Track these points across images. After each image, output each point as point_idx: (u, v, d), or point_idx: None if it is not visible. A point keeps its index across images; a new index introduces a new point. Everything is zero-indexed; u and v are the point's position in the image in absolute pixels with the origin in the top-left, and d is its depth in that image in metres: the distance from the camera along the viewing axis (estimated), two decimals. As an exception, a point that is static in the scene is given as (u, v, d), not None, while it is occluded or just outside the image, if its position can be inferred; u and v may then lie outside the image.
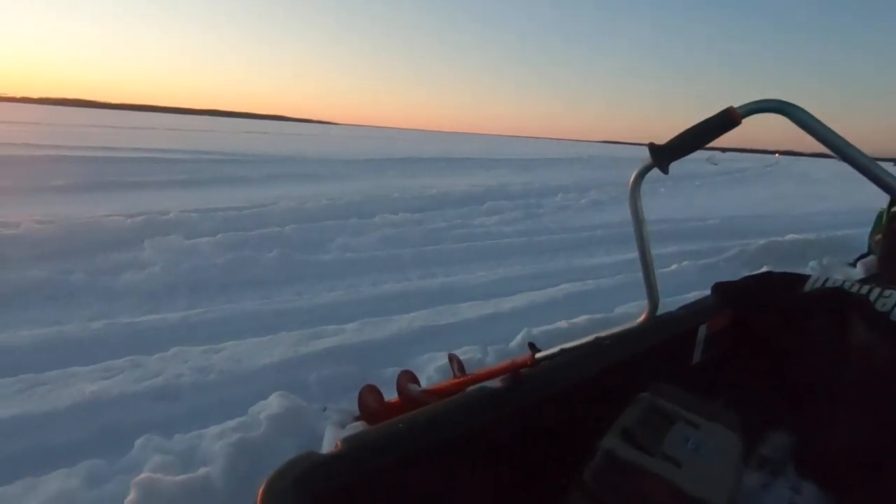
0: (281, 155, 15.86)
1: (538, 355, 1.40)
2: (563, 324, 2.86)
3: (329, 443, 1.83)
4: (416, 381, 1.99)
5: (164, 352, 2.45)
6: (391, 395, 2.00)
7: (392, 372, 2.47)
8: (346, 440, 0.77)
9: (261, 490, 0.66)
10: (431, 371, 2.36)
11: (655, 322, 1.17)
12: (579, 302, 3.48)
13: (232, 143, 20.72)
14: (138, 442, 1.78)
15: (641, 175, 1.08)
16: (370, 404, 1.95)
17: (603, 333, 1.19)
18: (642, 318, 1.17)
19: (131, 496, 1.46)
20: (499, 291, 3.79)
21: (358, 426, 1.95)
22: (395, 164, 15.10)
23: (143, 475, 1.54)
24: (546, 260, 4.95)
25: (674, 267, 4.47)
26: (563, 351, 1.24)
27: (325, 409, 2.10)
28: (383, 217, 6.11)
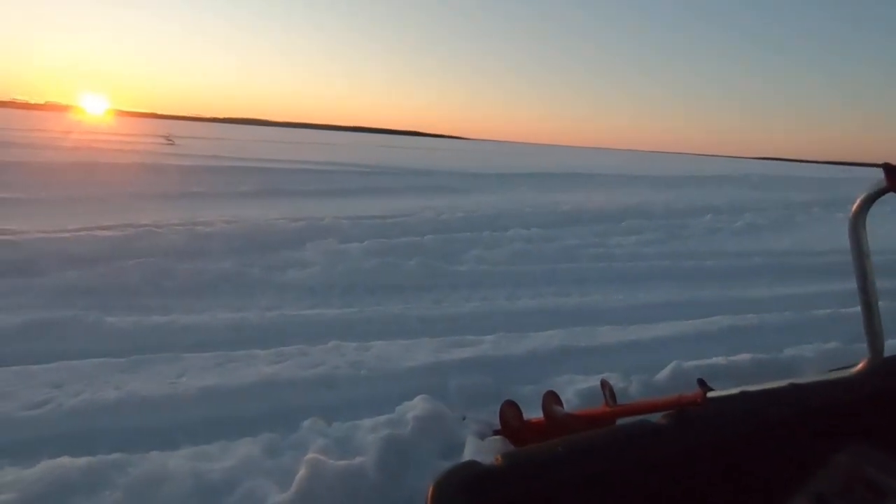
0: (418, 168, 16.80)
1: (711, 394, 1.28)
2: (720, 360, 2.58)
3: (471, 452, 1.86)
4: (560, 403, 1.95)
5: (324, 344, 2.72)
6: (530, 413, 1.99)
7: (529, 390, 2.45)
8: (507, 456, 0.78)
9: (430, 490, 0.70)
10: (570, 394, 2.29)
11: (877, 371, 1.00)
12: (738, 338, 3.12)
13: (375, 157, 22.51)
14: (305, 423, 2.00)
15: (870, 200, 0.93)
16: (511, 420, 1.95)
17: (802, 380, 1.05)
18: (860, 365, 1.01)
19: (302, 472, 1.65)
20: (640, 317, 3.56)
21: (497, 440, 1.96)
22: (526, 179, 15.09)
23: (310, 455, 1.73)
24: (694, 287, 4.53)
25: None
26: (743, 394, 1.12)
27: (464, 418, 2.16)
28: (516, 231, 6.13)
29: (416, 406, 2.12)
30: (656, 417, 0.92)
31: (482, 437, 2.00)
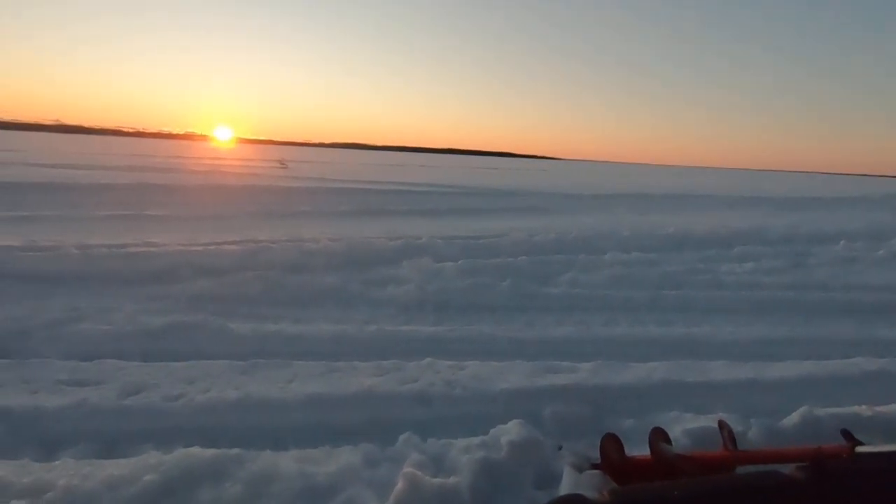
0: (510, 189, 16.83)
1: (860, 449, 1.11)
2: (863, 409, 2.24)
3: (569, 484, 1.79)
4: (669, 441, 1.81)
5: (419, 360, 2.79)
6: (632, 449, 1.87)
7: (631, 424, 2.31)
8: (615, 493, 0.73)
9: None
10: (678, 433, 2.11)
11: None
12: (887, 385, 2.69)
13: (468, 178, 22.93)
14: (401, 437, 2.05)
15: None
16: (612, 455, 1.84)
17: None
18: None
19: (399, 486, 1.68)
20: (759, 353, 3.22)
21: (596, 475, 1.86)
22: (623, 200, 14.45)
23: (406, 469, 1.76)
24: (825, 323, 4.01)
25: None
26: None
27: (560, 448, 2.08)
28: (613, 255, 5.87)
29: (511, 430, 2.08)
30: (788, 469, 0.82)
31: (579, 469, 1.91)
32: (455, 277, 4.63)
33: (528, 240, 6.65)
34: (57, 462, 1.79)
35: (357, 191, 13.17)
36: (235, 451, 1.88)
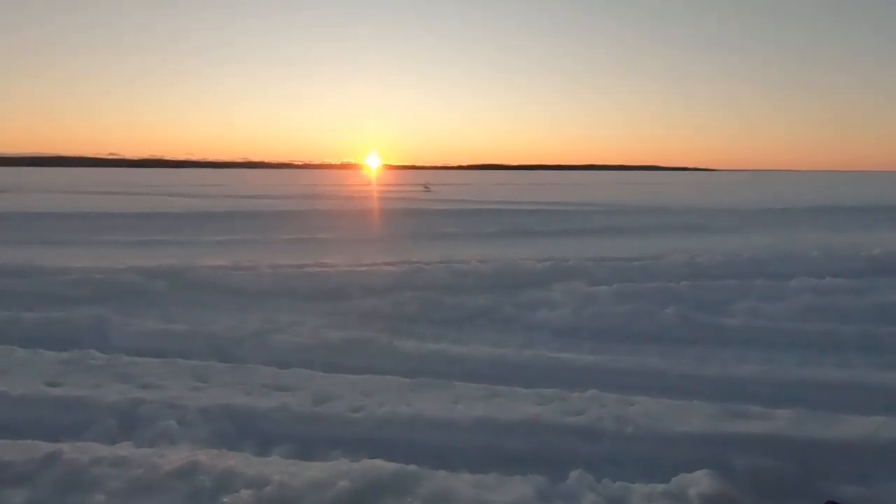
0: (660, 205, 15.60)
1: None
2: None
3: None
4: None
5: (582, 391, 2.66)
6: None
7: (855, 492, 1.92)
8: None
9: None
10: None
11: None
12: None
13: (613, 195, 21.87)
14: (573, 474, 1.96)
15: None
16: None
17: None
18: None
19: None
20: None
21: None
22: (806, 214, 12.44)
23: (584, 510, 1.67)
24: None
25: None
26: None
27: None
28: (802, 280, 5.03)
29: (700, 482, 1.87)
30: None
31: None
32: (611, 303, 4.38)
33: (689, 262, 6.05)
34: (269, 458, 2.06)
35: (499, 211, 13.37)
36: (412, 467, 1.98)
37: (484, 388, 2.73)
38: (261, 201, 17.28)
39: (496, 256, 6.48)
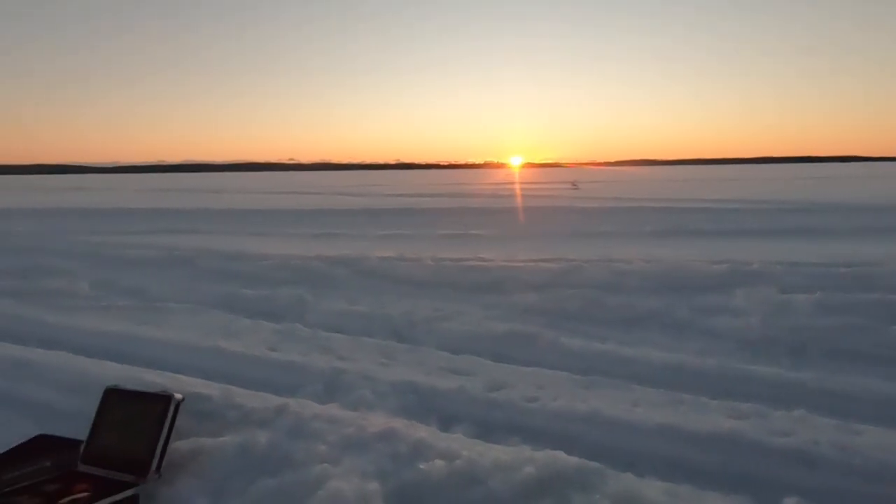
0: (864, 202, 12.94)
1: None
2: None
3: None
4: None
5: (787, 410, 2.34)
6: None
7: None
8: None
9: None
10: None
11: None
12: None
13: (790, 191, 18.79)
14: (788, 502, 1.73)
15: None
16: None
17: None
18: None
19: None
20: None
21: None
22: None
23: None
24: None
25: None
26: None
27: None
28: None
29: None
30: None
31: None
32: (813, 314, 3.76)
33: (921, 272, 4.90)
34: (454, 435, 2.19)
35: (658, 209, 12.37)
36: (595, 464, 1.93)
37: (665, 394, 2.55)
38: (414, 199, 18.48)
39: (660, 256, 6.02)
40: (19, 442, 2.20)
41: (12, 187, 34.74)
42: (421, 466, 1.89)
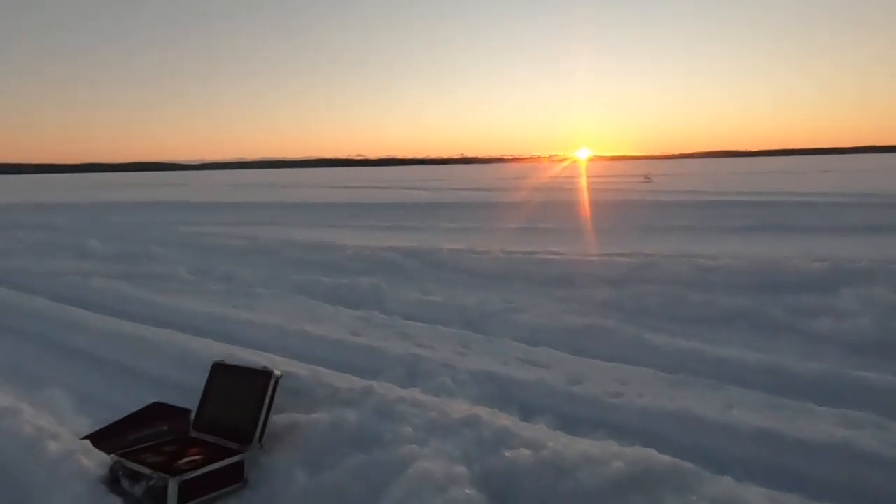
0: None
1: None
2: None
3: None
4: None
5: (909, 422, 2.11)
6: None
7: None
8: None
9: None
10: None
11: None
12: None
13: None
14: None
15: None
16: None
17: None
18: None
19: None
20: None
21: None
22: None
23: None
24: None
25: None
26: None
27: None
28: None
29: None
30: None
31: None
32: (938, 318, 3.36)
33: None
34: (537, 426, 2.17)
35: (742, 203, 11.54)
36: (689, 465, 1.85)
37: (762, 397, 2.39)
38: (480, 193, 18.45)
39: (749, 253, 5.61)
40: (138, 408, 2.46)
41: (115, 184, 38.49)
42: (506, 454, 1.89)
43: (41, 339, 3.70)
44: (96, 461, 1.91)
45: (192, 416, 2.19)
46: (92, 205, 16.38)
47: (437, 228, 9.12)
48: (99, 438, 2.12)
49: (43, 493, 1.84)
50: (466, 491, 1.68)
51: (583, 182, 25.27)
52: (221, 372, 2.20)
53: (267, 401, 2.00)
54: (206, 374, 2.24)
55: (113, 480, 1.82)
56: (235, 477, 1.86)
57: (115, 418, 2.33)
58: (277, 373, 2.08)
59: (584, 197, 15.21)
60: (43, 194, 24.03)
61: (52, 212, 14.00)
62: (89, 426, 2.29)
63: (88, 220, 11.98)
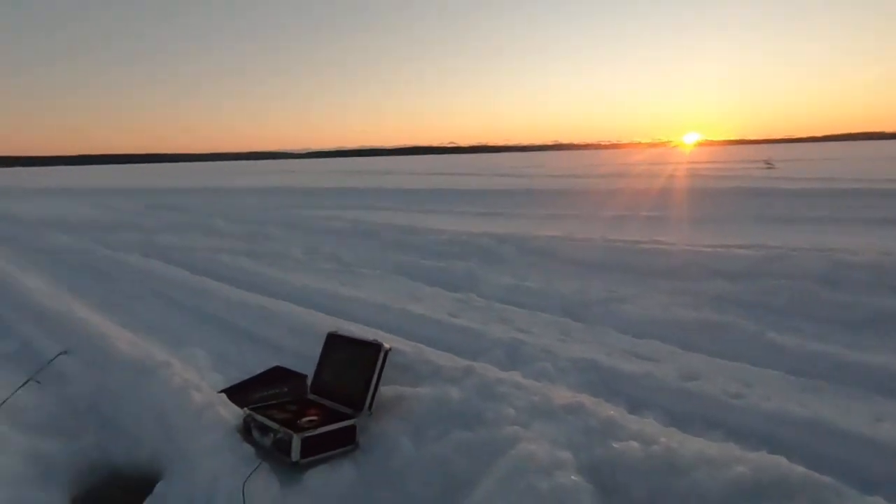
0: None
1: None
2: None
3: None
4: None
5: None
6: None
7: None
8: None
9: None
10: None
11: None
12: None
13: None
14: None
15: None
16: None
17: None
18: None
19: None
20: None
21: None
22: None
23: None
24: None
25: None
26: None
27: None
28: None
29: None
30: None
31: None
32: None
33: None
34: (646, 420, 2.07)
35: (885, 192, 9.95)
36: (827, 479, 1.65)
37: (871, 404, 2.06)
38: (577, 180, 17.79)
39: (894, 248, 4.83)
40: (261, 370, 2.72)
41: (235, 171, 42.65)
42: (615, 445, 1.82)
43: (182, 304, 4.23)
44: (231, 412, 2.15)
45: (309, 380, 2.37)
46: (215, 189, 18.27)
47: (532, 215, 8.96)
48: (232, 393, 2.38)
49: (190, 435, 2.11)
50: (573, 477, 1.65)
51: (692, 168, 23.33)
52: (336, 341, 2.35)
53: (377, 371, 2.11)
54: (320, 344, 2.41)
55: (245, 430, 2.04)
56: (348, 439, 1.99)
57: (244, 377, 2.60)
58: (387, 346, 2.18)
59: (694, 184, 14.02)
60: (177, 180, 27.26)
61: (184, 196, 15.85)
62: (223, 382, 2.57)
63: (214, 202, 13.40)
